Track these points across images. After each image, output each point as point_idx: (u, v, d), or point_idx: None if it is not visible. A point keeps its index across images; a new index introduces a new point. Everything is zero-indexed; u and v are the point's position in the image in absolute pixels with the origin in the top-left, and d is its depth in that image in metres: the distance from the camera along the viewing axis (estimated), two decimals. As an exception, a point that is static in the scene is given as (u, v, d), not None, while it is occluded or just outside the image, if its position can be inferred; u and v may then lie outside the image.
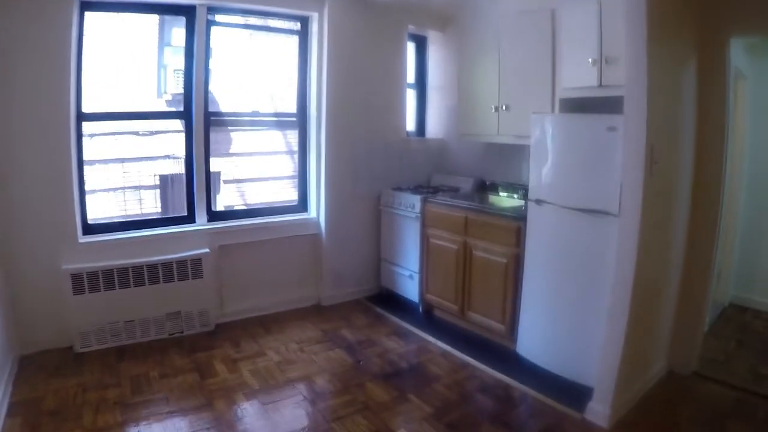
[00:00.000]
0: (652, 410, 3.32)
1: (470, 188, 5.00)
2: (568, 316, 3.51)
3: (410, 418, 3.19)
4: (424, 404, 3.33)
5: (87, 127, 3.92)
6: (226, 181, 4.82)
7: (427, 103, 5.65)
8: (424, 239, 4.65)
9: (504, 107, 4.30)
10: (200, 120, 4.27)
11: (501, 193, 4.74)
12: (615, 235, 3.12)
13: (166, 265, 4.06)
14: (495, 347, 4.09)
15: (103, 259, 3.85)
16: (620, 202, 3.05)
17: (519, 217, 3.86)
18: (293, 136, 4.89)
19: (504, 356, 3.93)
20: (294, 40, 4.72)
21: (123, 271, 3.90)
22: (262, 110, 4.77)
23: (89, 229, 3.97)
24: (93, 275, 3.79)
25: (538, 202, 3.64)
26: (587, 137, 3.35)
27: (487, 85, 4.46)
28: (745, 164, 4.82)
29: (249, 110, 4.70)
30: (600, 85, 3.46)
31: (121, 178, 4.24)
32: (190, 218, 4.38)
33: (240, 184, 4.91)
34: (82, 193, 3.93)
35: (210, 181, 4.41)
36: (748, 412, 3.31)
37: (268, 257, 4.68)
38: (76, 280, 3.74)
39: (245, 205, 4.83)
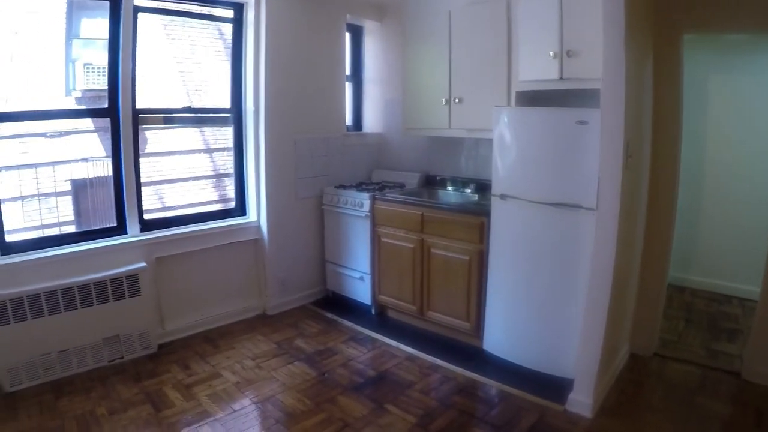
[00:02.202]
0: (626, 394, 3.40)
1: (417, 184, 4.87)
2: (539, 310, 3.49)
3: (396, 430, 3.01)
4: (406, 414, 3.18)
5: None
6: (145, 184, 4.33)
7: (364, 96, 5.46)
8: (375, 239, 4.48)
9: (456, 100, 4.20)
10: (128, 117, 3.81)
11: (450, 188, 4.66)
12: (587, 227, 3.14)
13: (100, 284, 3.59)
14: (460, 346, 4.02)
15: (27, 283, 3.32)
16: (598, 196, 3.04)
17: (481, 212, 3.78)
18: (227, 132, 4.52)
19: (471, 354, 3.87)
20: (227, 29, 4.36)
21: (51, 294, 3.39)
22: (193, 106, 4.33)
23: (7, 248, 3.41)
24: (17, 302, 3.26)
25: (503, 197, 3.57)
26: (556, 131, 3.33)
27: (436, 78, 4.33)
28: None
29: (180, 106, 4.25)
30: (561, 78, 3.43)
31: (35, 186, 3.68)
32: (120, 229, 3.91)
33: (165, 187, 4.42)
34: (-5, 207, 3.38)
35: (141, 187, 3.97)
36: (713, 387, 3.49)
37: (209, 267, 4.31)
38: (-1, 308, 3.22)
39: (176, 210, 4.35)
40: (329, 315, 4.68)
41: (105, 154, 3.89)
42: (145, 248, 3.92)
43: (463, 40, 4.14)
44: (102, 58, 3.76)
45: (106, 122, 3.81)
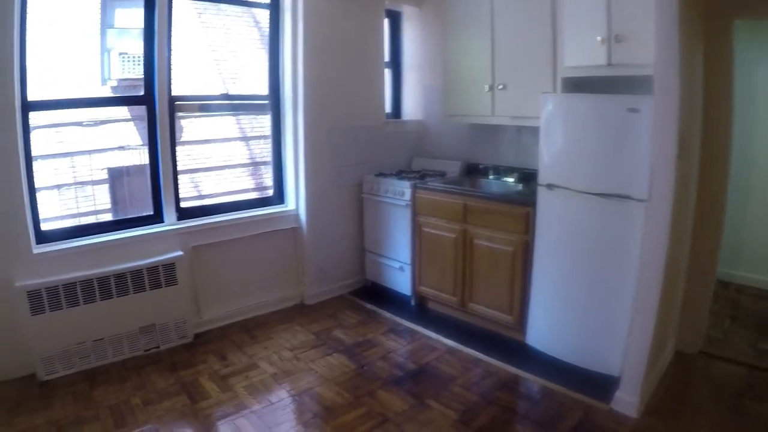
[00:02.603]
0: (673, 394, 3.27)
1: (458, 172, 4.75)
2: (586, 305, 3.36)
3: (437, 427, 2.95)
4: (447, 409, 3.10)
5: (34, 117, 3.38)
6: (181, 172, 4.32)
7: (403, 82, 5.36)
8: (416, 228, 4.39)
9: (500, 86, 4.06)
10: (164, 105, 3.80)
11: (492, 177, 4.52)
12: (637, 219, 3.01)
13: (136, 273, 3.59)
14: (502, 340, 3.93)
15: (62, 272, 3.34)
16: (650, 186, 2.90)
17: (527, 202, 3.65)
18: (264, 120, 4.48)
19: (514, 349, 3.78)
20: (262, 16, 4.29)
21: (87, 283, 3.40)
22: (230, 93, 4.30)
23: (43, 237, 3.44)
24: (53, 291, 3.28)
25: (550, 186, 3.44)
26: (606, 118, 3.17)
27: (478, 64, 4.19)
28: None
29: (216, 93, 4.23)
30: (609, 64, 3.28)
31: (72, 175, 3.69)
32: (157, 217, 3.91)
33: (202, 176, 4.39)
34: (33, 196, 3.38)
35: (177, 175, 3.97)
36: (761, 389, 3.34)
37: (246, 256, 4.29)
38: (34, 297, 3.22)
39: (213, 198, 4.32)
40: (368, 305, 4.62)
41: (141, 143, 3.89)
42: (182, 237, 3.91)
43: (505, 24, 4.00)
44: (136, 48, 3.76)
45: (142, 110, 3.82)
